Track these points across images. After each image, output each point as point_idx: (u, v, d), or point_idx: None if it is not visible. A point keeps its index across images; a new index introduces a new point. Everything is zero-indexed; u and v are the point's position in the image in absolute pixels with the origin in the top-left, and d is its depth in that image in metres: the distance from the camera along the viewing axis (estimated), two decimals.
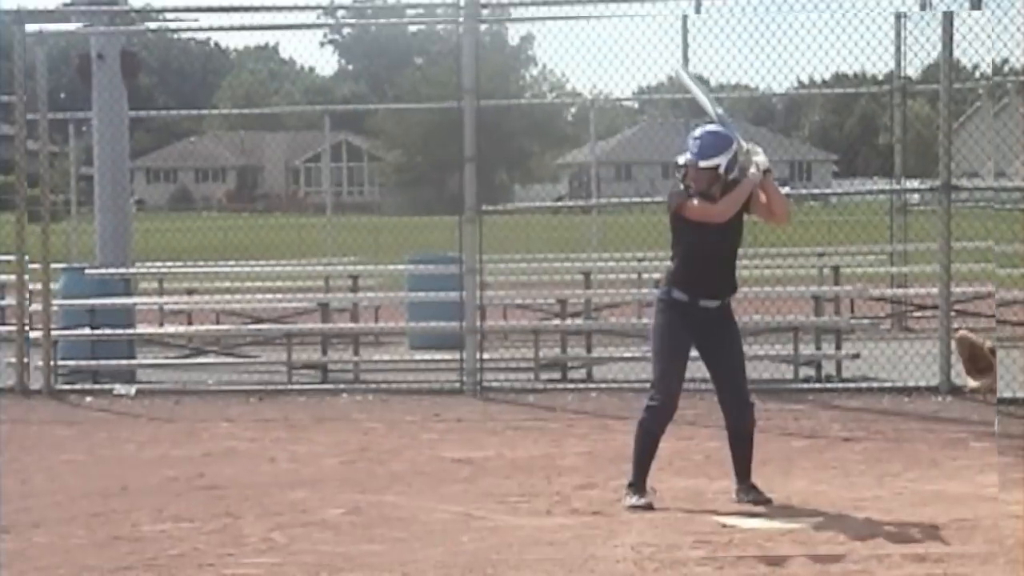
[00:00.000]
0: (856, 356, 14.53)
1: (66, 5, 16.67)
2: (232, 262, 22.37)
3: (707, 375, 8.70)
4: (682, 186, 8.42)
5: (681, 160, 8.38)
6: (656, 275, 14.33)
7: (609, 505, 8.52)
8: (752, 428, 8.56)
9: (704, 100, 8.73)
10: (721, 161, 8.33)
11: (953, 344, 8.20)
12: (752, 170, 8.34)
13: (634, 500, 8.45)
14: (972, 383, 8.13)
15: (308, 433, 12.14)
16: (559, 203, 37.67)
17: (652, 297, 8.87)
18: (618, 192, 58.39)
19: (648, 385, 8.74)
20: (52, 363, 14.87)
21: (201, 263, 21.86)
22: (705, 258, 8.38)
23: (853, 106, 73.90)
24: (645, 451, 8.51)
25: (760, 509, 8.42)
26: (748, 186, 8.34)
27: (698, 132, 8.48)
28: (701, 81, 8.83)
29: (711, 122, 8.56)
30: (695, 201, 8.35)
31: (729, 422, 8.55)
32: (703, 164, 8.31)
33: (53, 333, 15.09)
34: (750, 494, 8.55)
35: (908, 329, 19.15)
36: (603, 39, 21.67)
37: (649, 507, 8.37)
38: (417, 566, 7.28)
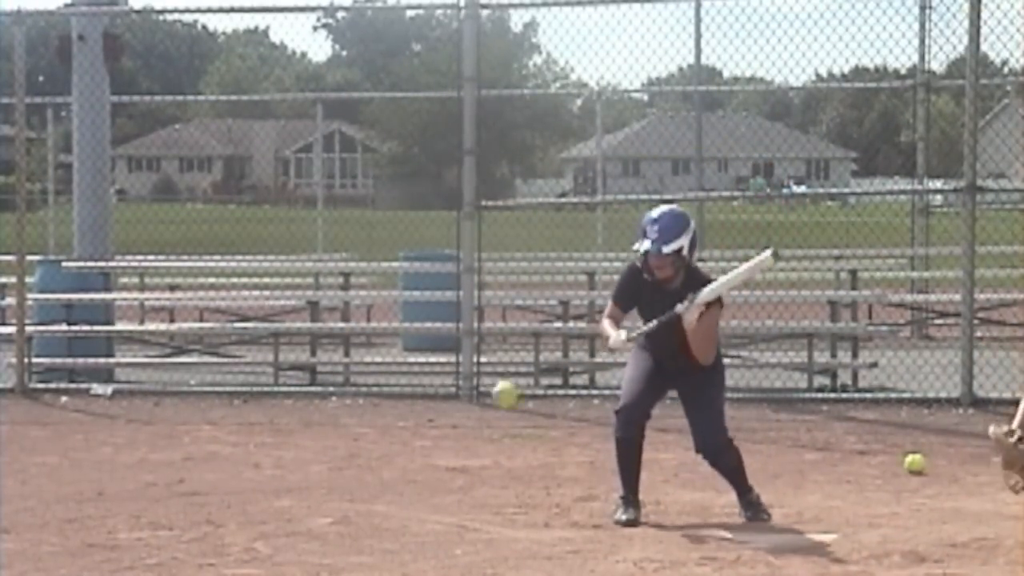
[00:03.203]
0: (873, 365, 14.53)
1: None
2: (217, 256, 22.37)
3: None
4: (645, 276, 8.42)
5: (642, 247, 8.34)
6: None
7: (611, 518, 8.52)
8: (733, 460, 8.59)
9: (728, 283, 8.53)
10: (684, 243, 8.33)
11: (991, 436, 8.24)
12: (618, 338, 8.33)
13: (619, 515, 8.50)
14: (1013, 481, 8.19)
15: (295, 438, 12.15)
16: (562, 199, 37.72)
17: None
18: (625, 188, 58.50)
19: None
20: (26, 361, 14.88)
21: (185, 257, 21.86)
22: (655, 349, 8.47)
23: (873, 101, 73.98)
24: (624, 461, 8.54)
25: (770, 525, 8.44)
26: (611, 343, 8.39)
27: (655, 213, 8.38)
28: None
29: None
30: (609, 310, 8.53)
31: (707, 460, 8.64)
32: (666, 250, 8.29)
33: (27, 329, 15.10)
34: (749, 510, 8.57)
35: (929, 337, 19.17)
36: (611, 27, 21.68)
37: (634, 523, 8.40)
38: None
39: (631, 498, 8.52)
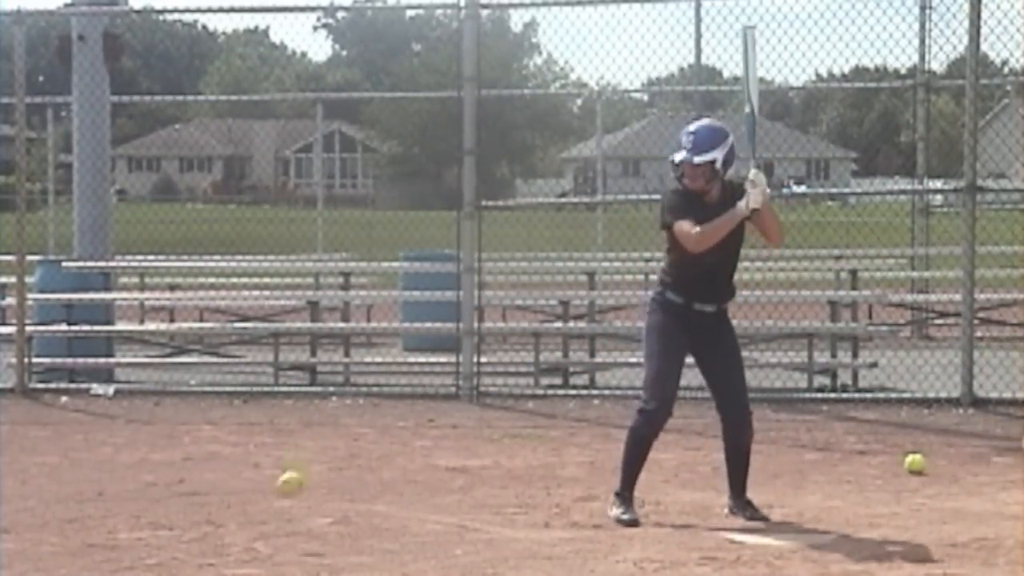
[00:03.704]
0: (874, 365, 14.53)
1: None
2: (217, 256, 22.37)
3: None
4: (679, 184, 8.43)
5: (677, 157, 8.39)
6: None
7: (610, 518, 8.51)
8: (751, 440, 8.57)
9: (752, 81, 8.62)
10: (717, 155, 8.34)
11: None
12: (741, 204, 8.25)
13: (619, 512, 8.47)
14: None
15: (295, 438, 12.14)
16: (563, 199, 37.73)
17: None
18: (625, 188, 58.49)
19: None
20: (26, 361, 14.87)
21: (185, 257, 21.86)
22: (701, 264, 8.36)
23: (873, 101, 74.08)
24: (635, 459, 8.51)
25: (770, 525, 8.43)
26: (728, 222, 8.26)
27: (692, 127, 8.48)
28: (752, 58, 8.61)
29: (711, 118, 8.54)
30: (684, 224, 8.29)
31: (727, 433, 8.56)
32: (698, 160, 8.32)
33: (27, 329, 15.09)
34: (747, 510, 8.56)
35: (929, 337, 19.17)
36: (611, 26, 21.66)
37: (634, 523, 8.38)
38: None
39: (627, 495, 8.49)
